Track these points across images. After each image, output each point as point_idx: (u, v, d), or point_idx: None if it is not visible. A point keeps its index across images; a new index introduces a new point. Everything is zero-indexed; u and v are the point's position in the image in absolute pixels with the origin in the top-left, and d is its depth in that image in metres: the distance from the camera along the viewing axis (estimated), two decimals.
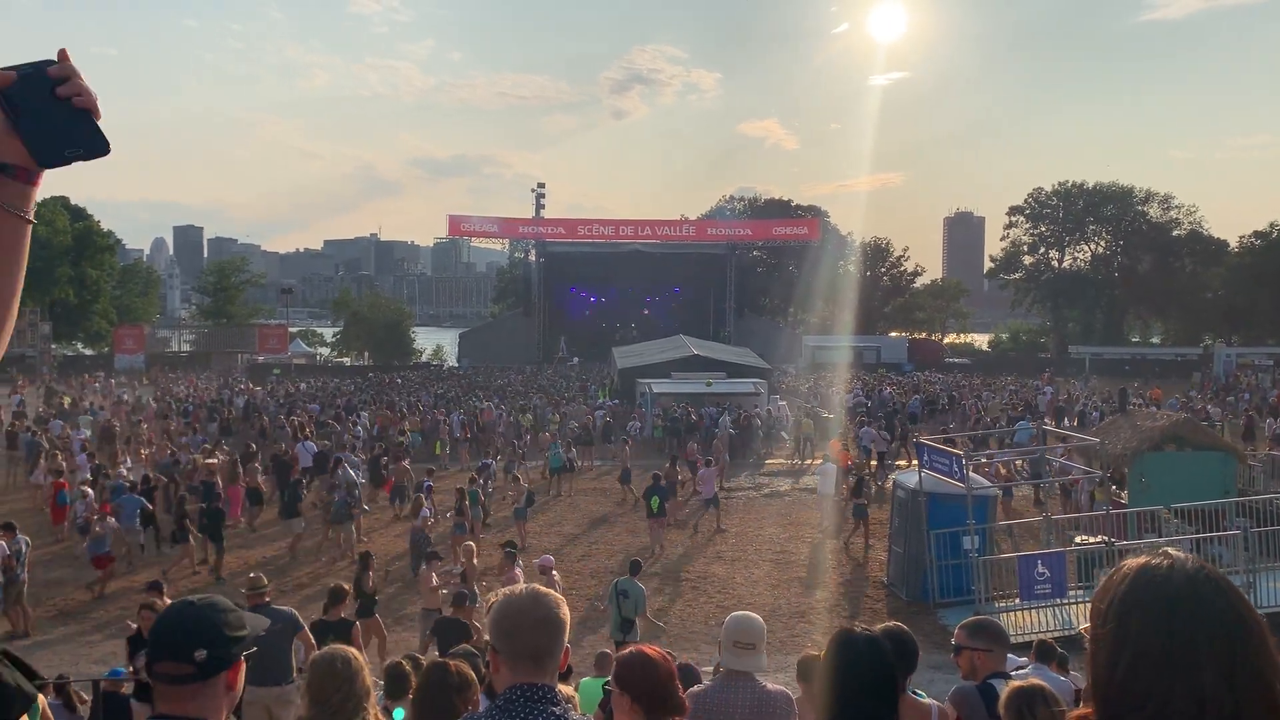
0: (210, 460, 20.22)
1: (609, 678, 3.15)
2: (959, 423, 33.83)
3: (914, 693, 4.34)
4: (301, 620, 8.81)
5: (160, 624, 2.11)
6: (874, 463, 26.17)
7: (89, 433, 27.95)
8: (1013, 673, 5.28)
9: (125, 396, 40.85)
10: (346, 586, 10.28)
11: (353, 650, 3.85)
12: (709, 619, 14.40)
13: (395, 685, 5.46)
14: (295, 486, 19.57)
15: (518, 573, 12.76)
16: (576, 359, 62.45)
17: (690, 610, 15.03)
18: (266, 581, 9.76)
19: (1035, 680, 4.31)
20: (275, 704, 8.31)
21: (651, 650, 3.16)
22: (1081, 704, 1.51)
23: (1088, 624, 1.49)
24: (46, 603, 15.29)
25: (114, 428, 29.24)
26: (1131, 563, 1.46)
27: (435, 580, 12.36)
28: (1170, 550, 1.46)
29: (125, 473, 20.77)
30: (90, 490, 18.35)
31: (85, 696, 8.04)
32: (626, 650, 3.13)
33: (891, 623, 4.71)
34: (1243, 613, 1.38)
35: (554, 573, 12.47)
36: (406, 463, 23.01)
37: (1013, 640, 10.68)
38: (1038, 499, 21.97)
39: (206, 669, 2.02)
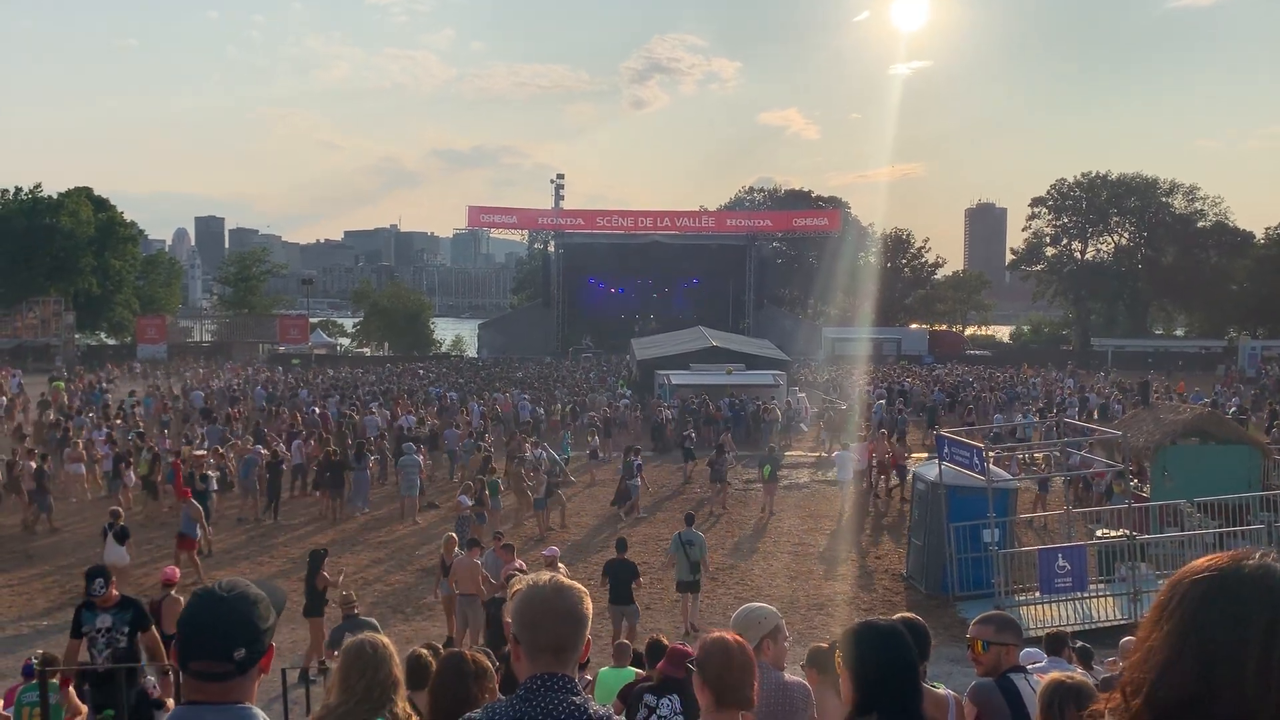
0: (199, 452, 20.45)
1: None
2: (979, 416, 33.65)
3: (931, 684, 4.33)
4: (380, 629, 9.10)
5: (193, 622, 2.09)
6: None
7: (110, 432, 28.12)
8: (1029, 667, 5.25)
9: (168, 386, 41.14)
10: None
11: (383, 638, 3.85)
12: (727, 610, 14.35)
13: (415, 675, 5.47)
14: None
15: (519, 563, 12.75)
16: (589, 352, 62.27)
17: (708, 602, 14.97)
18: (355, 596, 10.96)
19: (1077, 676, 4.25)
20: None
21: (733, 639, 3.20)
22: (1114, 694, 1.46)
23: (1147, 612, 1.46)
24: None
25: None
26: (1202, 560, 1.43)
27: (475, 565, 12.42)
28: (1253, 549, 1.42)
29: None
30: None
31: None
32: (712, 636, 3.20)
33: (906, 613, 4.69)
34: None
35: (560, 565, 12.23)
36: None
37: (1033, 634, 10.62)
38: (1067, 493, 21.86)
39: (245, 665, 2.06)
